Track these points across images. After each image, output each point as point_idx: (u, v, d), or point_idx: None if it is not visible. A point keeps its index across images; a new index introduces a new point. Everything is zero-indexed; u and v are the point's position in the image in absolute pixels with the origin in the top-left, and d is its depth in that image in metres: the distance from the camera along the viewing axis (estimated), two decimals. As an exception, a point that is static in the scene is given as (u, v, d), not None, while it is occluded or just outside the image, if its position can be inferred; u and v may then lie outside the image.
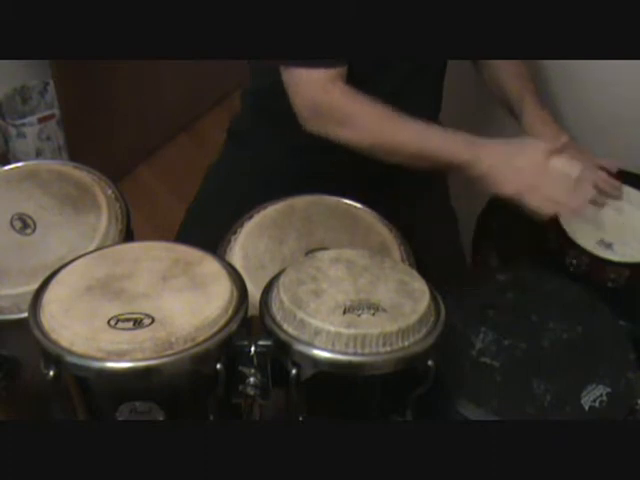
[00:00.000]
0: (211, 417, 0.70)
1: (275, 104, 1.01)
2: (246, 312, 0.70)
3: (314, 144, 1.01)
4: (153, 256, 0.74)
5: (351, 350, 0.65)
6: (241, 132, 1.20)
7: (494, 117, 1.17)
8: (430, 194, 1.18)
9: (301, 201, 0.96)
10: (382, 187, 1.10)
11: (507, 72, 1.10)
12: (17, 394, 0.82)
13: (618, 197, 1.04)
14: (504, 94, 1.11)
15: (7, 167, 0.95)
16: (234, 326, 0.67)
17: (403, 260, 0.89)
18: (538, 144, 0.95)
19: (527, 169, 0.93)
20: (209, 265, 0.74)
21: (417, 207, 1.16)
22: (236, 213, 0.94)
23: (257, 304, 0.72)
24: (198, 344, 0.64)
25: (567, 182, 0.93)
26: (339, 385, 0.69)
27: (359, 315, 0.67)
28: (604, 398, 0.76)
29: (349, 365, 0.65)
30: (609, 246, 0.97)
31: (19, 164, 0.96)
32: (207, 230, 0.97)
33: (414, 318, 0.67)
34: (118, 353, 0.62)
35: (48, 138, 1.96)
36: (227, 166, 1.18)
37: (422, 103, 1.06)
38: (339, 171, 1.06)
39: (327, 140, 0.99)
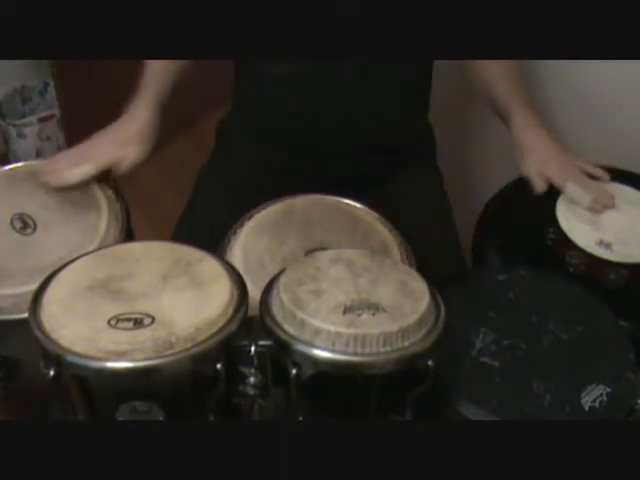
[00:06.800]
0: (211, 417, 0.70)
1: (259, 113, 1.09)
2: (246, 312, 0.70)
3: (299, 145, 1.03)
4: (153, 256, 0.74)
5: (351, 350, 0.65)
6: (229, 133, 1.20)
7: (490, 116, 1.16)
8: (427, 194, 1.18)
9: (301, 201, 0.96)
10: (380, 187, 1.10)
11: (492, 73, 1.08)
12: (17, 394, 0.82)
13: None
14: (491, 96, 1.09)
15: (7, 167, 0.95)
16: (234, 326, 0.67)
17: (403, 260, 0.89)
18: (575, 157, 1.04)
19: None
20: (209, 265, 0.74)
21: (416, 208, 1.15)
22: (228, 215, 0.94)
23: (257, 304, 0.72)
24: (198, 344, 0.64)
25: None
26: (339, 385, 0.69)
27: (359, 315, 0.67)
28: (604, 398, 0.76)
29: (349, 365, 0.65)
30: (608, 246, 0.97)
31: (19, 164, 0.96)
32: (201, 232, 0.97)
33: (414, 318, 0.67)
34: (118, 353, 0.62)
35: (48, 138, 1.96)
36: (217, 168, 1.18)
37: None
38: (332, 170, 1.06)
39: (314, 141, 1.03)
